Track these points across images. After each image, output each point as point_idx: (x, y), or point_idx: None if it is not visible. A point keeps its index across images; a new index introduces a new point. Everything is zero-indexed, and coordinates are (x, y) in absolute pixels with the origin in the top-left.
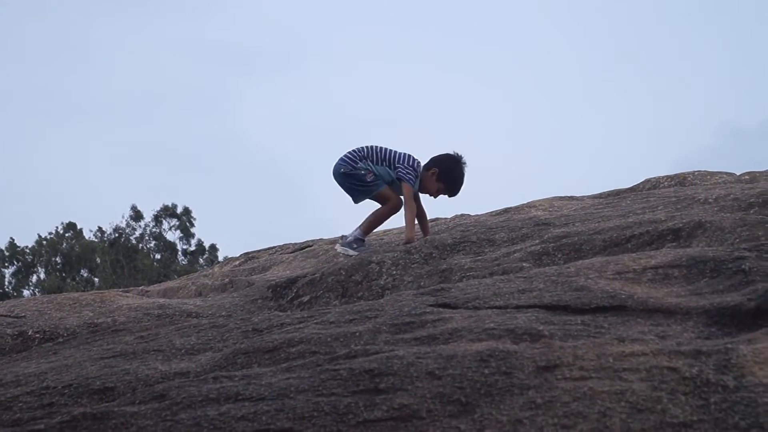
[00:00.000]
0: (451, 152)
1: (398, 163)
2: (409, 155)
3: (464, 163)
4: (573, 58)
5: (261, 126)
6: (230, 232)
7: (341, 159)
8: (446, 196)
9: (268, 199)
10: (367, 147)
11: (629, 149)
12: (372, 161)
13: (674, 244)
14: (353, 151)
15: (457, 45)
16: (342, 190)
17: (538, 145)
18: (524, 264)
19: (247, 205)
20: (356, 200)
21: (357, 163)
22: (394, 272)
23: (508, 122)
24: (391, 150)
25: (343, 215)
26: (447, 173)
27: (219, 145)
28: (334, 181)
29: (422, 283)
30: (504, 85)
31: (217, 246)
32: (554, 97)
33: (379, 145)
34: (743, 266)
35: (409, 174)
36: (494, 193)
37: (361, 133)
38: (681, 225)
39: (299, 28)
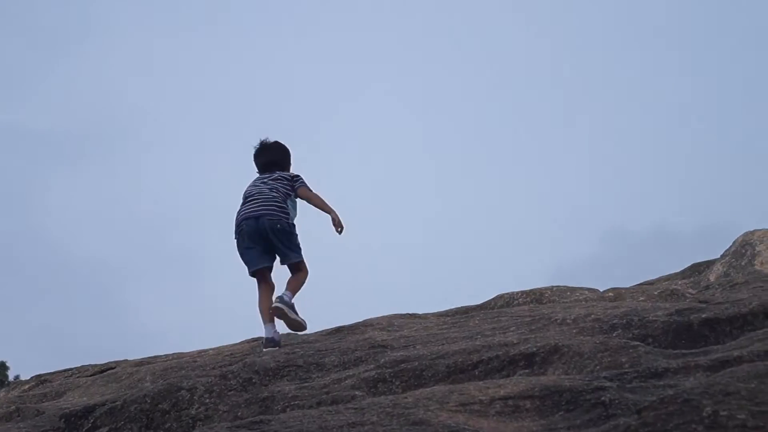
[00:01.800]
0: (264, 143)
1: (295, 181)
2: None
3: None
4: (434, 148)
5: (63, 221)
6: (24, 347)
7: (272, 207)
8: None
9: (70, 307)
10: (279, 181)
11: (501, 259)
12: (290, 198)
13: (527, 371)
14: (274, 191)
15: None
16: (256, 245)
17: (381, 254)
18: (357, 392)
19: (46, 314)
20: (283, 261)
21: (289, 212)
22: (208, 401)
23: (347, 226)
24: (284, 174)
25: (159, 327)
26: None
27: (14, 244)
28: (254, 234)
29: (239, 414)
30: (344, 181)
31: (7, 364)
32: (406, 195)
33: (279, 174)
34: (603, 398)
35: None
36: (325, 310)
37: (179, 226)
38: (535, 349)
39: (106, 108)
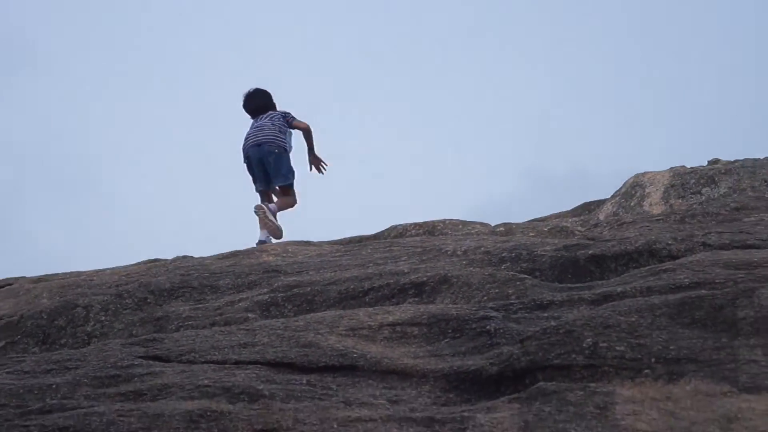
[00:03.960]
0: (249, 92)
1: (287, 116)
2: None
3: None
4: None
5: None
6: None
7: (270, 135)
8: None
9: None
10: (274, 118)
11: (416, 194)
12: (288, 132)
13: (416, 299)
14: (273, 125)
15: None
16: (260, 169)
17: None
18: (249, 315)
19: None
20: (266, 186)
21: (286, 141)
22: (103, 318)
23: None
24: (277, 113)
25: (64, 248)
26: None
27: None
28: (257, 160)
29: (134, 332)
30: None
31: None
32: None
33: (272, 113)
34: (488, 327)
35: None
36: (221, 234)
37: (73, 147)
38: (425, 279)
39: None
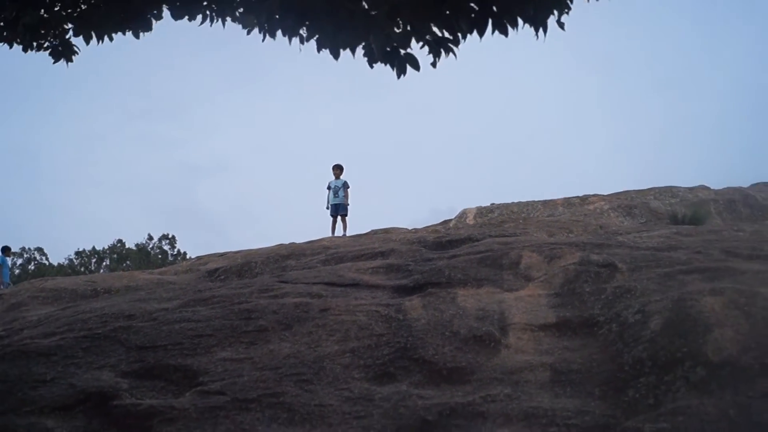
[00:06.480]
0: (337, 164)
1: (346, 185)
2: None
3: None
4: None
5: (208, 201)
6: (193, 246)
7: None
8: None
9: (211, 235)
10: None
11: (381, 213)
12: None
13: (382, 258)
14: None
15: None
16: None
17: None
18: (318, 265)
19: (202, 235)
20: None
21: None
22: (263, 266)
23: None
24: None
25: (244, 240)
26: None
27: (193, 211)
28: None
29: (274, 273)
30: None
31: (187, 252)
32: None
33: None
34: (410, 268)
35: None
36: (307, 230)
37: (269, 201)
38: (385, 250)
39: (221, 148)
